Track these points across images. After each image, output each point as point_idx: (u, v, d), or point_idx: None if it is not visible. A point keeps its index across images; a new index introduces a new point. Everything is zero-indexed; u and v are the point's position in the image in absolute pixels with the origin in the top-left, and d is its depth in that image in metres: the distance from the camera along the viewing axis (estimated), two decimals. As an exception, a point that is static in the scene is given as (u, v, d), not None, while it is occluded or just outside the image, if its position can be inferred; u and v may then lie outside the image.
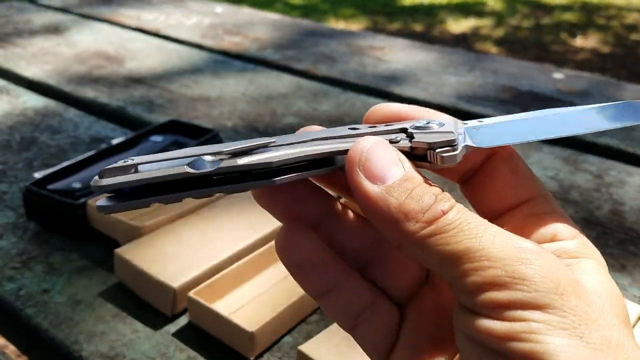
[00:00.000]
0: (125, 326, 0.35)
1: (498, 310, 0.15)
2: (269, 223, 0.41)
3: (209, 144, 0.54)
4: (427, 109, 0.20)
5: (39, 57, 0.78)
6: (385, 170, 0.16)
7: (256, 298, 0.37)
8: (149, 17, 0.98)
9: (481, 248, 0.15)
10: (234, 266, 0.37)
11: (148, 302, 0.36)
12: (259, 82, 0.73)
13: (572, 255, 0.17)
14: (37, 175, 0.48)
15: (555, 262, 0.16)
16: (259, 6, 3.79)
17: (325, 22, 3.55)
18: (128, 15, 0.99)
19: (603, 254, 0.46)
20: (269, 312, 0.33)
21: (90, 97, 0.67)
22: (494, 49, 3.20)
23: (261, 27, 0.97)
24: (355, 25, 3.53)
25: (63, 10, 1.02)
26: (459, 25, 3.64)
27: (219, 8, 1.06)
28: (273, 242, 0.39)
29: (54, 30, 0.90)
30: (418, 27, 3.53)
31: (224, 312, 0.33)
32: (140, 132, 0.53)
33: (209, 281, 0.35)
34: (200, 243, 0.39)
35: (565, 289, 0.15)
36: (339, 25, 3.52)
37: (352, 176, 0.17)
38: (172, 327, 0.35)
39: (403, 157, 0.17)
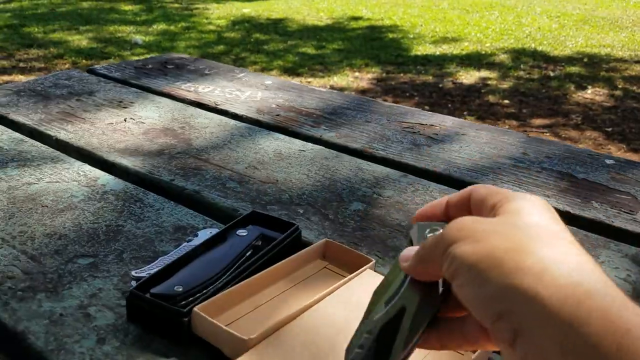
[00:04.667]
0: None
1: None
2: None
3: (292, 239, 0.56)
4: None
5: (109, 135, 0.82)
6: None
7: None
8: (205, 90, 1.03)
9: None
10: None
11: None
12: (320, 163, 0.76)
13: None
14: (135, 273, 0.50)
15: None
16: (275, 56, 3.91)
17: (340, 72, 3.65)
18: (185, 88, 1.03)
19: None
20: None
21: (166, 180, 0.70)
22: (506, 101, 3.26)
23: (311, 100, 1.01)
24: (368, 75, 3.62)
25: (122, 82, 1.07)
26: (469, 77, 3.72)
27: (268, 80, 1.11)
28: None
29: (118, 104, 0.94)
30: (429, 78, 3.61)
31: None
32: (227, 227, 0.55)
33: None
34: (309, 355, 0.41)
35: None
36: (353, 73, 3.61)
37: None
38: None
39: None
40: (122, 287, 0.50)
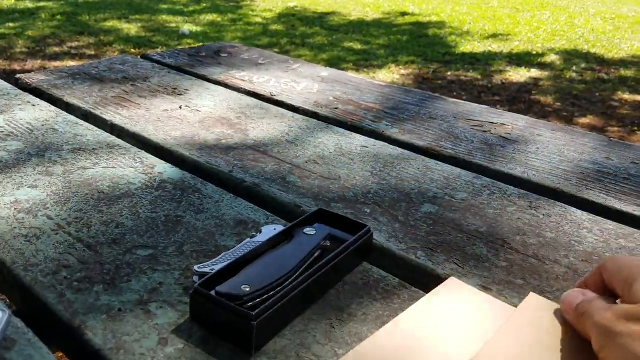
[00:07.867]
0: None
1: None
2: None
3: (364, 241, 0.52)
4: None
5: (164, 122, 0.79)
6: None
7: None
8: (260, 81, 0.99)
9: None
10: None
11: None
12: (385, 161, 0.71)
13: None
14: (197, 269, 0.47)
15: None
16: (320, 51, 3.87)
17: (386, 68, 3.58)
18: (240, 77, 1.00)
19: None
20: None
21: (225, 170, 0.66)
22: (558, 103, 3.13)
23: (370, 94, 0.96)
24: (415, 72, 3.53)
25: (176, 69, 1.04)
26: (519, 77, 3.59)
27: (324, 72, 1.07)
28: None
29: (173, 91, 0.92)
30: (477, 77, 3.50)
31: None
32: (293, 224, 0.51)
33: None
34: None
35: None
36: (399, 70, 3.53)
37: None
38: None
39: None
40: (184, 282, 0.47)
